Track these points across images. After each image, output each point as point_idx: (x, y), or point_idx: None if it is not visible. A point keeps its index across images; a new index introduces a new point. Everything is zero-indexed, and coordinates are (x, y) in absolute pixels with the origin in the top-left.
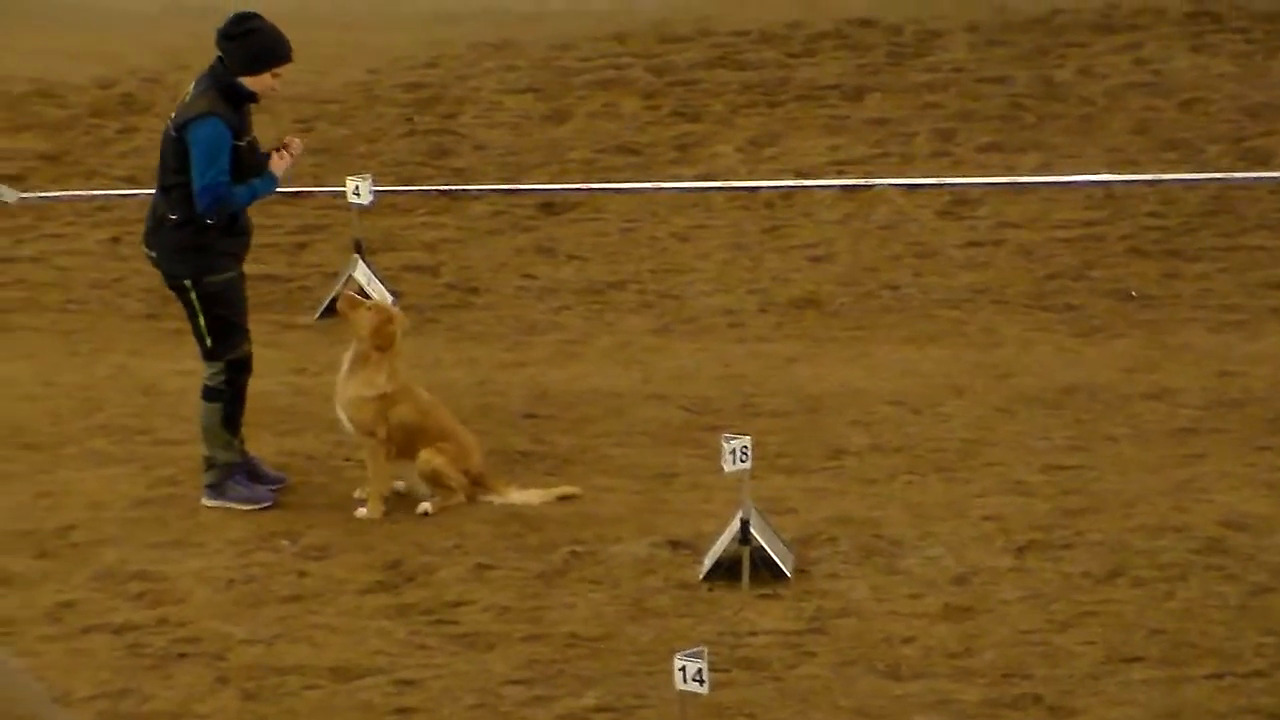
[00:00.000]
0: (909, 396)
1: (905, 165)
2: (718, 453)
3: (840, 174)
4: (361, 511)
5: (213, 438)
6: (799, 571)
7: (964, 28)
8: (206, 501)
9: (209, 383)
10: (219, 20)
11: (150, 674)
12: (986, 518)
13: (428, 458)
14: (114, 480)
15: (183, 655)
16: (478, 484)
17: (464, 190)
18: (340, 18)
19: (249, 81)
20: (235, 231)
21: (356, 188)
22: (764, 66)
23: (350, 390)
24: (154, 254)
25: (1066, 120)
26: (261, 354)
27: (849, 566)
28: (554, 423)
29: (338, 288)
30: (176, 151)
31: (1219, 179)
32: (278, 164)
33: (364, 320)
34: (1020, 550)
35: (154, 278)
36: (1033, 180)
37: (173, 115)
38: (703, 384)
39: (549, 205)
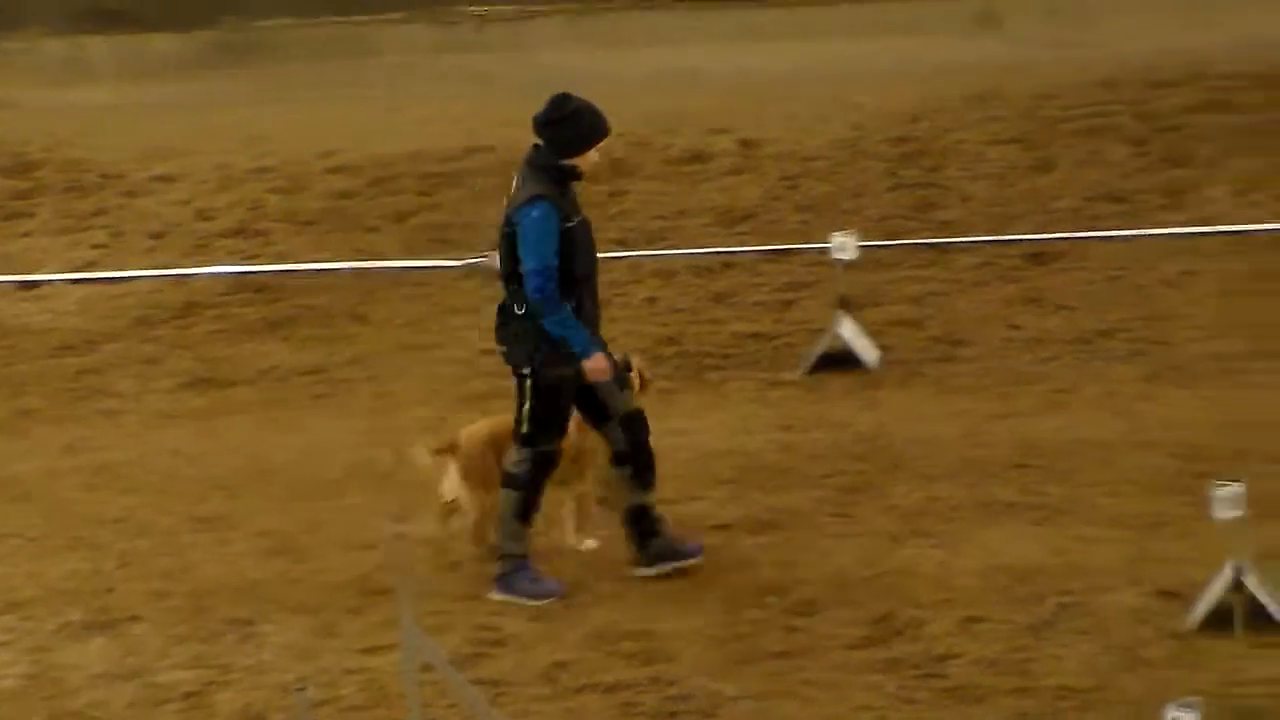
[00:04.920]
0: None
1: None
2: (1208, 500)
3: None
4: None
5: (505, 527)
6: None
7: None
8: (494, 595)
9: (512, 469)
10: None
11: None
12: None
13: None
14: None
15: (673, 714)
16: None
17: (950, 243)
18: (829, 76)
19: (574, 161)
20: (582, 322)
21: (842, 243)
22: (1256, 110)
23: None
24: (503, 348)
25: None
26: (748, 410)
27: None
28: (1043, 473)
29: (822, 344)
30: (512, 244)
31: None
32: (603, 368)
33: None
34: None
35: None
36: None
37: (505, 209)
38: (1193, 431)
39: (1036, 255)
